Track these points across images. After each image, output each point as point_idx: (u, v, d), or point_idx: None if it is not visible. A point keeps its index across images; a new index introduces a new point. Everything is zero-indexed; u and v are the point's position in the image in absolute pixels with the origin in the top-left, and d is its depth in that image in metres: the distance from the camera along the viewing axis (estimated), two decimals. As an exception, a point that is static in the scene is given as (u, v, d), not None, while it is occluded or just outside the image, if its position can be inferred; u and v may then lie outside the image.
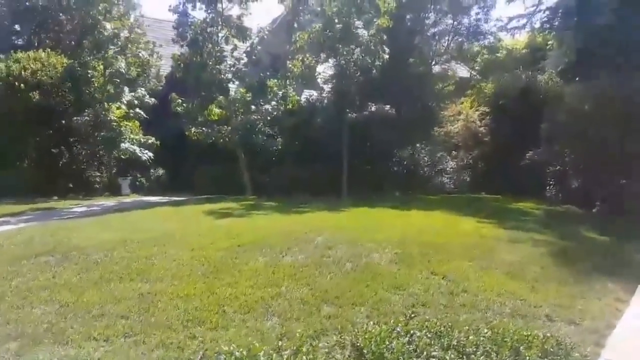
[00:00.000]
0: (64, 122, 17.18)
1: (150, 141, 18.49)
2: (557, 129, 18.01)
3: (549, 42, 24.91)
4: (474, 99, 25.05)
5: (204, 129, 17.18)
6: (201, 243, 7.67)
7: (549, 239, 10.47)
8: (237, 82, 17.29)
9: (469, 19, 23.99)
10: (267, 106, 17.08)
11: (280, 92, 17.78)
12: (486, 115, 23.68)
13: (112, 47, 17.18)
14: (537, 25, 23.07)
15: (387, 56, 17.38)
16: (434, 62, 24.17)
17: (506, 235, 10.35)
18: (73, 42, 18.06)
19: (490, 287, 6.65)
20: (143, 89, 18.40)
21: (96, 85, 17.45)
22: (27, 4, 18.74)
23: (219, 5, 16.53)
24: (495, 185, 20.84)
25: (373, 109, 17.45)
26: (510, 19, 25.45)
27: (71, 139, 17.69)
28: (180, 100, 17.26)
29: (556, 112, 17.97)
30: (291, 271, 6.38)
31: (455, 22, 23.96)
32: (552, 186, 19.33)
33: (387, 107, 18.23)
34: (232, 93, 17.75)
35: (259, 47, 17.24)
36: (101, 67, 17.33)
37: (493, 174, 21.83)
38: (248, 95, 17.12)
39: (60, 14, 18.40)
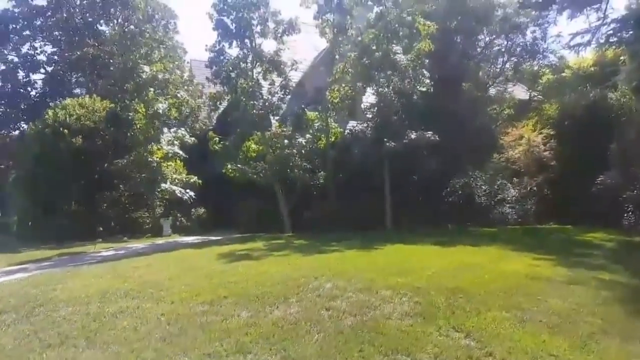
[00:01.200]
0: (106, 165, 17.38)
1: (192, 180, 18.27)
2: (632, 148, 15.84)
3: (621, 58, 22.56)
4: (537, 121, 22.99)
5: (239, 166, 16.70)
6: (186, 295, 6.82)
7: (618, 278, 8.70)
8: (274, 117, 16.76)
9: (524, 38, 22.16)
10: (300, 139, 16.28)
11: (317, 125, 17.05)
12: (550, 138, 21.61)
13: (151, 89, 17.30)
14: (603, 40, 21.03)
15: (428, 80, 16.14)
16: (488, 85, 22.47)
17: (564, 275, 8.71)
18: (117, 87, 18.51)
19: (525, 347, 5.25)
20: (183, 129, 18.36)
21: (138, 127, 17.62)
22: (79, 53, 19.63)
23: (253, 41, 16.21)
24: (565, 214, 18.82)
25: (415, 136, 16.10)
26: (574, 36, 23.59)
27: (115, 182, 17.86)
28: (217, 139, 16.99)
29: (630, 130, 15.85)
30: (271, 331, 5.34)
31: (509, 43, 22.24)
32: (630, 213, 16.93)
33: (432, 134, 16.78)
34: (271, 128, 17.30)
35: (292, 81, 16.65)
36: (142, 109, 17.52)
37: (562, 201, 19.81)
38: (284, 129, 16.53)
39: (110, 60, 19.07)
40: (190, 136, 18.72)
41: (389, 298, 6.84)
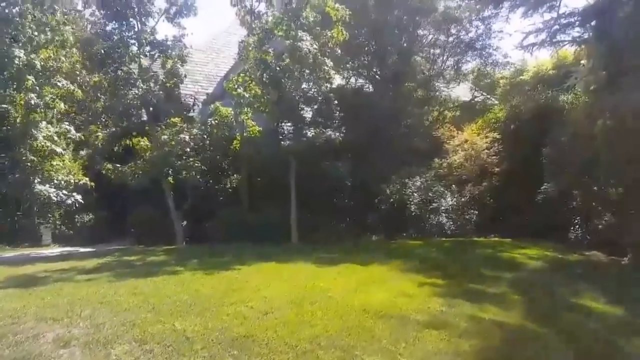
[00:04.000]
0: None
1: (82, 182, 15.84)
2: (566, 152, 13.90)
3: (582, 62, 20.73)
4: (481, 124, 21.01)
5: (118, 165, 14.38)
6: None
7: (503, 317, 6.59)
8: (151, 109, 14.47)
9: (467, 34, 20.23)
10: (184, 135, 13.97)
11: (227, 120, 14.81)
12: (495, 142, 19.59)
13: (30, 77, 14.87)
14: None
15: (332, 72, 14.08)
16: (429, 84, 20.46)
17: (433, 311, 6.70)
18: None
19: None
20: (67, 123, 15.94)
21: (15, 120, 15.20)
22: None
23: (138, 21, 13.97)
24: (508, 226, 16.99)
25: (312, 134, 13.91)
26: (527, 35, 21.76)
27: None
28: (100, 134, 14.65)
29: (565, 130, 13.92)
30: None
31: (450, 39, 20.31)
32: (576, 226, 15.02)
33: (335, 133, 14.65)
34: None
35: (180, 66, 14.43)
36: (21, 100, 15.10)
37: (505, 212, 17.86)
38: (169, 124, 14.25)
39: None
40: (77, 131, 16.23)
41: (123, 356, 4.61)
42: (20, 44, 15.46)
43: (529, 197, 16.32)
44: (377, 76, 20.35)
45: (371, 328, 5.85)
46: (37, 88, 15.44)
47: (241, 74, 14.95)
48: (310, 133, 13.96)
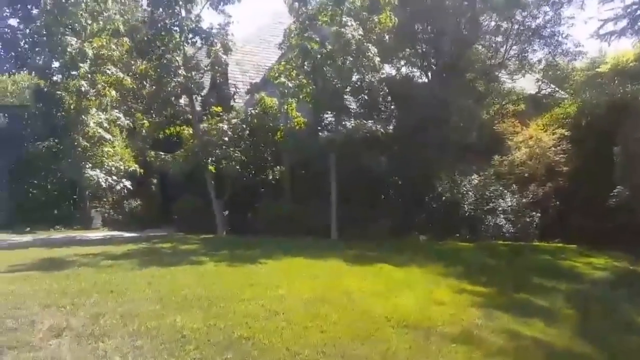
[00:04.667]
0: (31, 148, 15.54)
1: (131, 169, 16.07)
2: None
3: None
4: (549, 119, 19.35)
5: (161, 153, 14.37)
6: None
7: (564, 334, 5.90)
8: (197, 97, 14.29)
9: (535, 21, 18.60)
10: (221, 125, 13.68)
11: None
12: (564, 139, 17.95)
13: (82, 65, 15.20)
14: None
15: (378, 60, 13.24)
16: (491, 75, 19.02)
17: (466, 322, 5.98)
18: (47, 63, 16.64)
19: None
20: (117, 111, 16.17)
21: (68, 106, 15.64)
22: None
23: (181, 8, 13.81)
24: (575, 231, 15.39)
25: (352, 125, 13.08)
26: (604, 22, 19.78)
27: (41, 166, 16.02)
28: (146, 122, 14.72)
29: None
30: None
31: (516, 26, 18.74)
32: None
33: (375, 124, 13.79)
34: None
35: (222, 55, 14.14)
36: (74, 87, 15.52)
37: (572, 215, 16.23)
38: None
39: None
40: (126, 118, 16.46)
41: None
42: (74, 33, 15.81)
43: (600, 200, 14.88)
44: (432, 65, 19.17)
45: (388, 339, 5.16)
46: (89, 75, 15.80)
47: (282, 62, 14.45)
48: (352, 124, 13.15)
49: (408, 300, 6.78)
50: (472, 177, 17.78)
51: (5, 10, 24.50)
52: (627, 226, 13.68)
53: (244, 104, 17.50)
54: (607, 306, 7.39)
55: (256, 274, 7.99)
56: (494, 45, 19.55)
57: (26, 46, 20.60)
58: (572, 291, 8.23)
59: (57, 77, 15.92)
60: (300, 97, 15.18)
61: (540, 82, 20.36)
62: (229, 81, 18.94)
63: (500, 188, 17.29)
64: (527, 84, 20.55)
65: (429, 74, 19.25)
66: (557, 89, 21.62)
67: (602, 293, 8.26)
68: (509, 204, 16.92)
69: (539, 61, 19.80)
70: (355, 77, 15.05)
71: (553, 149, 17.73)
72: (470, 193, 16.95)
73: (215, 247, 10.90)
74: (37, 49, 17.26)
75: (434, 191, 16.95)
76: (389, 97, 18.39)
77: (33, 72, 17.19)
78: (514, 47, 19.33)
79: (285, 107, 15.75)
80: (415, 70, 19.44)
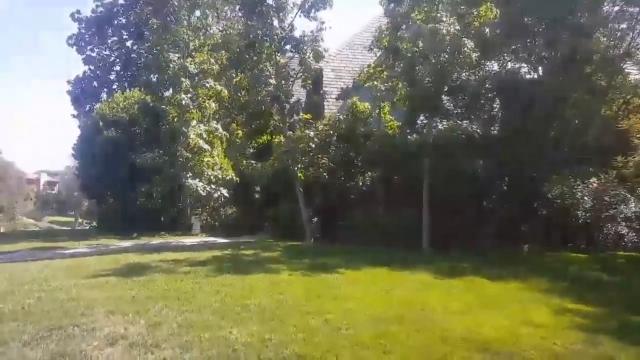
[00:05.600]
0: (137, 159, 16.81)
1: (228, 177, 16.75)
2: None
3: None
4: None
5: (252, 162, 14.69)
6: None
7: None
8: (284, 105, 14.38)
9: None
10: (308, 132, 13.57)
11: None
12: None
13: (184, 80, 16.16)
14: None
15: (474, 55, 12.23)
16: (604, 66, 16.88)
17: (566, 348, 5.13)
18: (152, 79, 17.93)
19: None
20: (215, 122, 16.92)
21: (171, 119, 16.73)
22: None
23: (269, 17, 14.05)
24: None
25: (444, 127, 12.10)
26: None
27: (147, 176, 17.26)
28: (240, 132, 15.22)
29: None
30: None
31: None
32: None
33: (471, 125, 12.70)
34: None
35: (312, 62, 14.09)
36: (176, 100, 16.59)
37: None
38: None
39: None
40: (223, 129, 17.17)
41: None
42: (178, 49, 16.84)
43: None
44: (543, 59, 17.46)
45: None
46: (191, 89, 16.72)
47: (372, 65, 14.05)
48: (445, 126, 12.28)
49: (495, 320, 5.99)
50: (591, 180, 15.84)
51: (123, 34, 27.19)
52: None
53: (338, 110, 17.42)
54: None
55: (330, 285, 7.66)
56: (617, 33, 17.28)
57: (140, 65, 22.52)
58: None
59: (162, 93, 17.01)
60: (394, 100, 14.70)
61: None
62: (324, 88, 19.00)
63: (623, 192, 15.16)
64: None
65: (540, 68, 17.60)
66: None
67: None
68: (634, 210, 14.77)
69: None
70: (454, 76, 14.18)
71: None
72: (586, 198, 15.06)
73: (297, 255, 10.80)
74: (146, 67, 18.72)
75: (544, 197, 15.34)
76: (492, 95, 17.15)
77: (142, 88, 18.70)
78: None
79: (377, 110, 15.37)
80: (523, 65, 17.89)
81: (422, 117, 13.92)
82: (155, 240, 14.66)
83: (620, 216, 14.57)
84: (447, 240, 13.65)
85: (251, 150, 17.77)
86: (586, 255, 12.64)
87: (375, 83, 14.43)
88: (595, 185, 15.58)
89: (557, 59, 17.03)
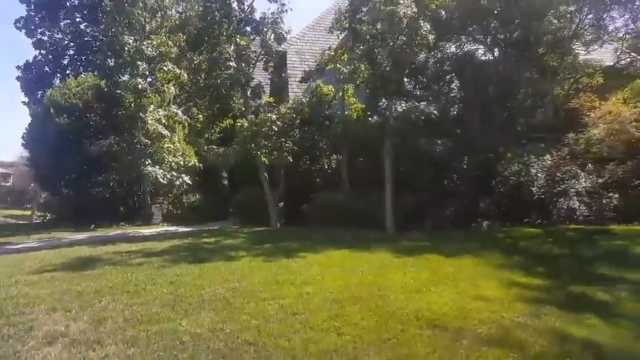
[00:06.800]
0: (92, 147, 16.28)
1: (191, 163, 16.44)
2: None
3: None
4: (630, 92, 17.38)
5: (214, 147, 14.47)
6: None
7: (625, 334, 5.07)
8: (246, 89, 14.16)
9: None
10: (269, 115, 13.44)
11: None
12: (650, 113, 16.05)
13: (140, 63, 15.65)
14: None
15: (432, 37, 12.33)
16: (555, 47, 17.34)
17: (513, 321, 5.31)
18: (107, 62, 17.32)
19: None
20: (174, 106, 16.53)
21: (127, 104, 16.25)
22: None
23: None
24: None
25: (402, 109, 12.20)
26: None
27: (104, 164, 16.78)
28: (201, 116, 14.92)
29: None
30: None
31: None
32: None
33: (428, 105, 12.88)
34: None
35: (273, 44, 13.90)
36: (132, 85, 16.06)
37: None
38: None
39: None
40: (183, 113, 16.78)
41: None
42: (134, 32, 16.27)
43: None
44: (499, 41, 17.77)
45: (412, 342, 4.64)
46: (148, 73, 16.26)
47: (333, 47, 13.98)
48: (405, 108, 12.36)
49: (448, 296, 6.18)
50: (545, 157, 16.38)
51: (76, 16, 25.96)
52: None
53: (303, 93, 17.27)
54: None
55: (289, 270, 7.68)
56: (567, 15, 17.74)
57: (95, 49, 21.66)
58: None
59: (118, 77, 16.49)
60: (358, 82, 14.72)
61: (619, 52, 18.20)
62: (289, 71, 18.80)
63: (575, 168, 15.79)
64: (604, 55, 18.56)
65: (495, 50, 17.93)
66: (638, 57, 19.36)
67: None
68: (584, 185, 15.41)
69: (617, 29, 17.71)
70: (413, 58, 14.26)
71: (634, 123, 15.90)
72: (540, 175, 15.60)
73: (261, 241, 10.78)
74: (101, 51, 18.04)
75: (501, 175, 15.78)
76: (450, 77, 17.39)
77: (96, 73, 18.01)
78: (589, 16, 17.43)
79: (341, 93, 15.35)
80: (480, 47, 18.19)
81: (383, 100, 13.96)
82: (113, 232, 14.28)
83: (572, 191, 15.19)
84: (409, 220, 13.90)
85: (217, 136, 17.48)
86: (540, 230, 13.10)
87: (338, 66, 14.36)
88: (548, 162, 16.18)
89: (511, 40, 17.42)
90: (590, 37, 17.63)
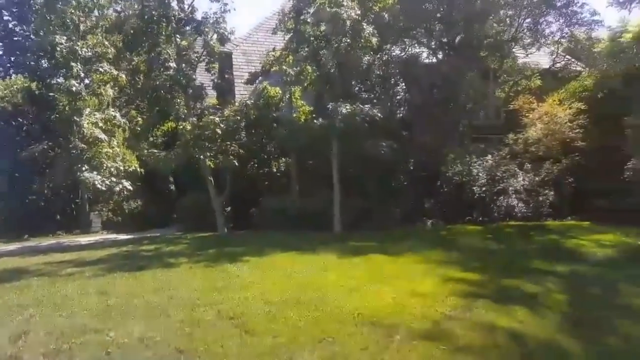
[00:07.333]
0: (24, 153, 15.39)
1: (131, 168, 15.78)
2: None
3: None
4: (564, 94, 18.24)
5: (155, 151, 14.02)
6: None
7: (549, 324, 5.22)
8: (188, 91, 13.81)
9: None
10: (212, 117, 13.18)
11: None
12: (581, 114, 16.90)
13: (74, 64, 14.90)
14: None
15: (375, 39, 12.51)
16: (496, 50, 17.96)
17: (445, 315, 5.38)
18: (38, 63, 16.49)
19: None
20: (113, 110, 15.84)
21: (61, 108, 15.42)
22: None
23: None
24: (590, 208, 14.98)
25: (347, 111, 12.27)
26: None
27: (39, 170, 15.88)
28: (140, 119, 14.40)
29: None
30: None
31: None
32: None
33: (372, 108, 13.07)
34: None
35: (215, 44, 13.65)
36: (67, 87, 15.26)
37: (588, 192, 15.66)
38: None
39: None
40: (122, 117, 16.10)
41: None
42: (67, 31, 15.49)
43: (616, 175, 13.97)
44: (443, 44, 18.23)
45: (347, 340, 4.63)
46: (83, 74, 15.52)
47: (278, 49, 13.90)
48: (349, 110, 12.38)
49: (386, 294, 6.23)
50: (486, 158, 16.97)
51: (4, 14, 24.42)
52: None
53: (249, 95, 16.99)
54: (606, 288, 6.67)
55: (230, 275, 7.51)
56: (507, 19, 18.42)
57: (26, 49, 20.48)
58: (570, 273, 7.53)
59: (51, 79, 15.65)
60: (305, 84, 14.69)
61: (554, 55, 19.10)
62: (235, 72, 18.48)
63: (514, 167, 16.46)
64: (542, 58, 19.43)
65: (439, 53, 18.37)
66: (572, 59, 20.40)
67: (603, 273, 7.53)
68: (522, 183, 16.09)
69: (553, 33, 18.58)
70: (358, 61, 14.34)
71: (569, 124, 16.72)
72: (481, 174, 16.14)
73: (204, 247, 10.51)
74: (32, 51, 17.07)
75: (445, 175, 16.20)
76: (395, 80, 17.67)
77: (26, 74, 17.02)
78: (527, 20, 18.17)
79: (288, 95, 15.25)
80: (424, 49, 18.60)
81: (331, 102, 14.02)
82: (47, 242, 13.49)
83: (511, 189, 15.83)
84: (357, 221, 13.99)
85: (162, 139, 16.93)
86: (481, 227, 13.54)
87: (284, 67, 14.28)
88: (490, 162, 16.78)
89: (454, 44, 17.93)
90: (528, 40, 18.34)
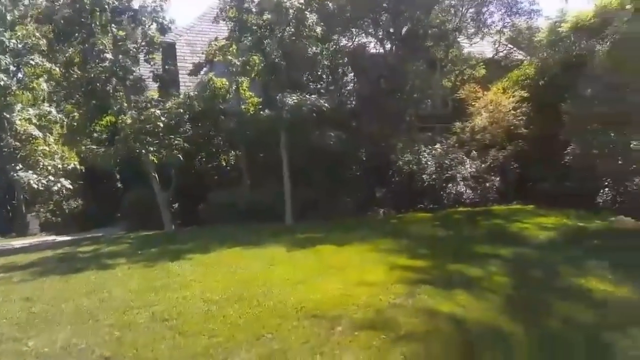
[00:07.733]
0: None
1: (71, 166, 14.95)
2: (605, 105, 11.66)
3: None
4: (508, 82, 18.68)
5: (94, 147, 13.33)
6: None
7: (488, 306, 5.26)
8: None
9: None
10: (153, 110, 12.63)
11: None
12: (523, 101, 17.36)
13: (2, 57, 13.91)
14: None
15: (319, 29, 12.34)
16: (441, 40, 18.13)
17: (388, 303, 5.32)
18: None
19: None
20: (48, 105, 14.99)
21: (-6, 103, 14.38)
22: None
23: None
24: (534, 193, 15.21)
25: (293, 102, 12.05)
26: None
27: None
28: (76, 114, 13.63)
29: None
30: None
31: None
32: (606, 189, 12.90)
33: (319, 99, 12.94)
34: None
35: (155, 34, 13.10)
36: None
37: (531, 177, 15.97)
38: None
39: None
40: (59, 112, 15.26)
41: None
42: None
43: (558, 160, 14.41)
44: (390, 34, 18.23)
45: (287, 335, 4.47)
46: (12, 68, 14.60)
47: (221, 39, 13.50)
48: (296, 101, 12.14)
49: (332, 285, 6.10)
50: (435, 146, 17.22)
51: None
52: (583, 184, 13.27)
53: (195, 87, 16.43)
54: (545, 269, 6.85)
55: (170, 274, 7.17)
56: (451, 9, 18.63)
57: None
58: (512, 256, 7.68)
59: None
60: (252, 75, 14.35)
61: (497, 45, 19.53)
62: (179, 63, 17.88)
63: (461, 155, 16.78)
64: (486, 48, 19.83)
65: (387, 43, 18.39)
66: (514, 48, 20.95)
67: (543, 255, 7.74)
68: (469, 170, 16.43)
69: (495, 23, 18.96)
70: (303, 50, 14.09)
71: (512, 112, 17.19)
72: (430, 163, 16.36)
73: (147, 245, 10.06)
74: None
75: (396, 164, 16.30)
76: (343, 70, 17.57)
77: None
78: (471, 10, 18.44)
79: (235, 86, 14.86)
80: (371, 40, 18.57)
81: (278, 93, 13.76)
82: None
83: (459, 176, 16.14)
84: (309, 212, 13.87)
85: (105, 135, 16.14)
86: (430, 214, 13.68)
87: (229, 58, 13.87)
88: (438, 150, 17.05)
89: (401, 34, 18.00)
90: (472, 30, 18.63)
